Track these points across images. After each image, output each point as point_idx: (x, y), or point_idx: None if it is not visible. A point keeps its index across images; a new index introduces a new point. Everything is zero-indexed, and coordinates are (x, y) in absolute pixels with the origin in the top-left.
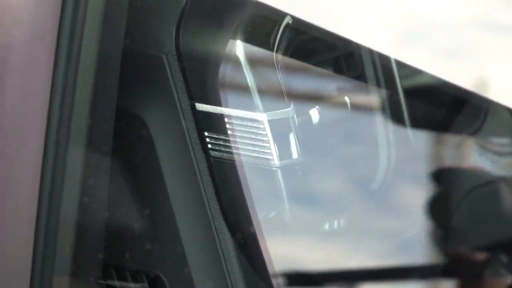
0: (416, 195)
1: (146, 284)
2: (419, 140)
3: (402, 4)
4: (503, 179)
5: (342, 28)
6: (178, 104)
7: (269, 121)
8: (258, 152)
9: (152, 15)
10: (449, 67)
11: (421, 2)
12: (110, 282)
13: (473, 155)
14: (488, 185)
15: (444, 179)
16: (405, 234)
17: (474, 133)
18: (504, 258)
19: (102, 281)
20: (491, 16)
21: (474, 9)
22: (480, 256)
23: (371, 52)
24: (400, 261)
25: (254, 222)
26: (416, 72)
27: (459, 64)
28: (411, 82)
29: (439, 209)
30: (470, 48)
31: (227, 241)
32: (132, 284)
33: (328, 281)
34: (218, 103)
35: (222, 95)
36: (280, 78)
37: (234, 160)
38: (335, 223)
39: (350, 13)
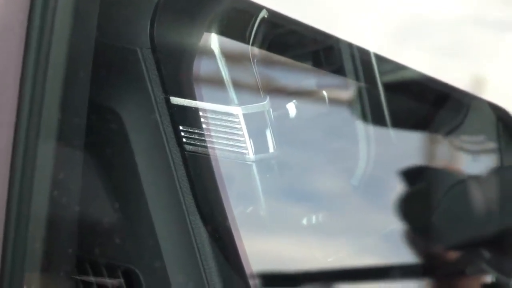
0: (396, 192)
1: (121, 279)
2: (399, 136)
3: (399, 1)
4: (480, 177)
5: (338, 27)
6: (152, 98)
7: (244, 114)
8: (233, 146)
9: (126, 8)
10: (446, 65)
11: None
12: (85, 278)
13: (454, 152)
14: (464, 183)
15: (422, 177)
16: (384, 231)
17: (455, 129)
18: (486, 255)
19: (77, 277)
20: (488, 13)
21: (471, 6)
22: (460, 253)
23: (350, 46)
24: (379, 259)
25: (230, 217)
26: (397, 66)
27: (456, 62)
28: (392, 76)
29: (418, 207)
30: (467, 46)
31: (202, 236)
32: (107, 280)
33: (303, 278)
34: (193, 97)
35: (197, 88)
36: (256, 72)
37: (209, 154)
38: (312, 219)
39: (347, 11)
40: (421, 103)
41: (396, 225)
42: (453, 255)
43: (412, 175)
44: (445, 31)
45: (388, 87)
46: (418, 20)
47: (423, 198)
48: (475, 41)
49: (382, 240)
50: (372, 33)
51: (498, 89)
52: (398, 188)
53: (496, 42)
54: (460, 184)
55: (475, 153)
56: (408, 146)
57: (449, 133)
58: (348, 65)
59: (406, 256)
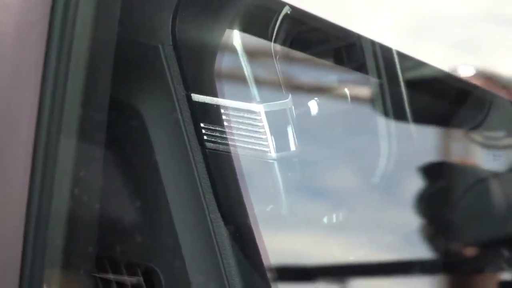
0: (417, 189)
1: (140, 278)
2: (420, 133)
3: None
4: (501, 174)
5: (354, 21)
6: (173, 94)
7: (266, 112)
8: (254, 144)
9: (148, 3)
10: (459, 60)
11: None
12: (104, 276)
13: (476, 149)
14: (487, 180)
15: (443, 173)
16: (405, 228)
17: (477, 126)
18: (506, 253)
19: (96, 274)
20: (502, 10)
21: (485, 2)
22: (480, 251)
23: (372, 43)
24: (400, 256)
25: (250, 215)
26: (418, 63)
27: (469, 57)
28: (413, 73)
29: (438, 204)
30: (480, 42)
31: (222, 234)
32: (126, 277)
33: (323, 275)
34: (215, 94)
35: (218, 85)
36: (278, 69)
37: (230, 152)
38: (334, 217)
39: (363, 6)
40: (443, 100)
41: (416, 222)
42: (472, 252)
43: (433, 172)
44: (460, 26)
45: (409, 84)
46: (434, 15)
47: (444, 195)
48: (489, 37)
49: (402, 237)
50: (388, 28)
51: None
52: (419, 185)
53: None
54: (482, 181)
55: (496, 150)
56: (429, 144)
57: (470, 130)
58: (370, 62)
59: (425, 252)
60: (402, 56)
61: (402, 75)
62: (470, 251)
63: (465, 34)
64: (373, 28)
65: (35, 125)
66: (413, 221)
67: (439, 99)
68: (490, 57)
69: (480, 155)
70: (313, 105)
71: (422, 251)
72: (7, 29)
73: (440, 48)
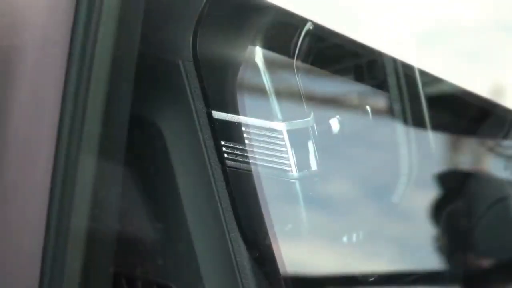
0: (438, 204)
1: None
2: (441, 151)
3: (424, 7)
4: None
5: (361, 32)
6: (194, 111)
7: (288, 130)
8: (276, 162)
9: (168, 20)
10: (468, 70)
11: (443, 5)
12: None
13: (497, 166)
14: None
15: (465, 190)
16: (424, 247)
17: (498, 143)
18: None
19: None
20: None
21: (495, 12)
22: (497, 267)
23: (393, 60)
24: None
25: (271, 235)
26: (438, 80)
27: (478, 67)
28: (433, 90)
29: (459, 221)
30: (490, 52)
31: (242, 254)
32: None
33: None
34: (236, 111)
35: (240, 103)
36: (300, 86)
37: (251, 171)
38: (354, 236)
39: (372, 16)
40: (462, 117)
41: (435, 242)
42: (488, 270)
43: (456, 188)
44: (468, 36)
45: (430, 101)
46: (444, 25)
47: (468, 210)
48: (498, 47)
49: (421, 257)
50: (397, 38)
51: None
52: (439, 201)
53: None
54: (504, 199)
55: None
56: (451, 161)
57: (491, 148)
58: (391, 79)
59: (445, 270)
60: (422, 72)
61: (423, 92)
62: (487, 267)
63: (474, 43)
64: (382, 38)
65: (55, 142)
66: (433, 239)
67: (459, 116)
68: (500, 68)
69: (502, 171)
70: (335, 122)
71: (442, 268)
72: (30, 46)
73: (450, 58)
